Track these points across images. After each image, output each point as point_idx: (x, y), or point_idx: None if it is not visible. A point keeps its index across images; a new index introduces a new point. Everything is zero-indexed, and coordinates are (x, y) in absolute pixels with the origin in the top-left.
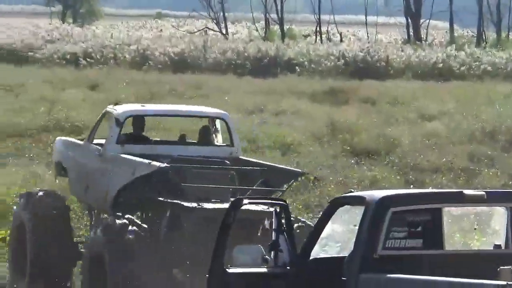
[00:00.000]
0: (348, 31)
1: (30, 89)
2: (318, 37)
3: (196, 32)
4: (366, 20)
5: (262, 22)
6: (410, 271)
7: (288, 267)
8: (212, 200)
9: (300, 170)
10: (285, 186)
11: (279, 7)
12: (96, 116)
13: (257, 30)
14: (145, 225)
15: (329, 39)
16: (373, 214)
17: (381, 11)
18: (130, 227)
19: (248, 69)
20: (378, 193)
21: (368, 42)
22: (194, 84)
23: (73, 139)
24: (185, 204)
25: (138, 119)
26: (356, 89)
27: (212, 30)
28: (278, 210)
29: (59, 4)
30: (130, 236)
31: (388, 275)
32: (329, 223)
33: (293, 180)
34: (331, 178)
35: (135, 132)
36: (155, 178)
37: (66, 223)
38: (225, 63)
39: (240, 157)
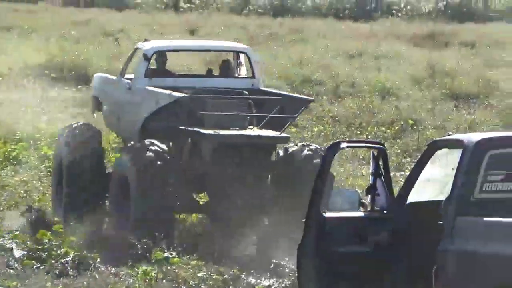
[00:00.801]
0: None
1: (129, 34)
2: None
3: None
4: None
5: None
6: (508, 215)
7: (385, 211)
8: (231, 128)
9: (310, 98)
10: (297, 112)
11: None
12: (194, 62)
13: None
14: (166, 148)
15: None
16: (471, 157)
17: None
18: (151, 147)
19: (348, 13)
20: (476, 136)
21: None
22: (294, 28)
23: (108, 75)
24: (202, 131)
25: (163, 54)
26: (456, 32)
27: None
28: (375, 153)
29: None
30: (151, 154)
31: (486, 218)
32: (427, 166)
33: (303, 107)
34: (429, 122)
35: (161, 66)
36: (176, 108)
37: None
38: (326, 7)
39: (261, 88)
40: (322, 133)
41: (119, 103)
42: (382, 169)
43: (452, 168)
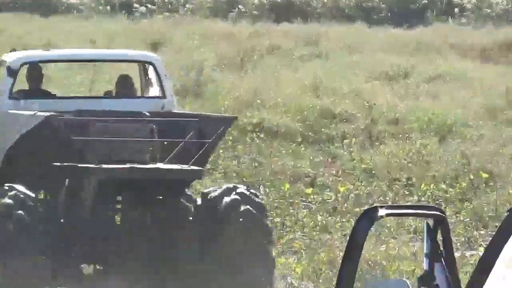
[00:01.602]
0: None
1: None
2: None
3: None
4: None
5: None
6: None
7: None
8: (125, 163)
9: (233, 116)
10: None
11: None
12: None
13: None
14: (32, 195)
15: None
16: None
17: None
18: (10, 193)
19: (386, 14)
20: None
21: None
22: (306, 38)
23: None
24: (81, 165)
25: (36, 68)
26: None
27: None
28: (431, 224)
29: None
30: (9, 202)
31: None
32: (510, 241)
33: (224, 127)
34: None
35: (33, 84)
36: (44, 134)
37: None
38: (352, 6)
39: (175, 110)
40: (352, 194)
41: None
42: (441, 248)
43: None
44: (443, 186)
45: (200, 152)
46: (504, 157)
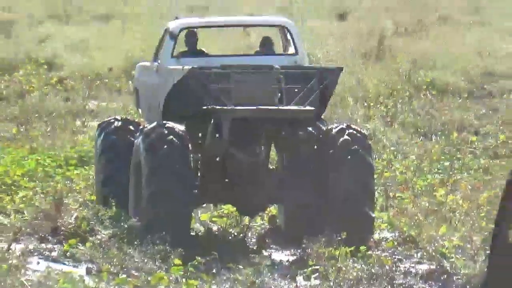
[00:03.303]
0: None
1: None
2: None
3: None
4: None
5: None
6: None
7: None
8: (258, 105)
9: (340, 67)
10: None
11: None
12: (344, 52)
13: None
14: (182, 129)
15: None
16: None
17: None
18: (162, 128)
19: None
20: None
21: None
22: (470, 7)
23: (145, 62)
24: (217, 106)
25: (193, 33)
26: None
27: None
28: None
29: None
30: (163, 135)
31: None
32: None
33: (335, 78)
34: None
35: (191, 47)
36: (190, 83)
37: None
38: None
39: (305, 64)
40: (510, 141)
41: (149, 88)
42: None
43: None
44: None
45: (313, 96)
46: None
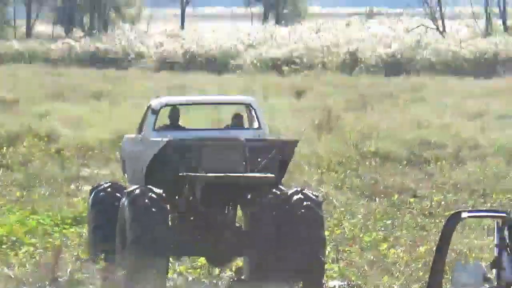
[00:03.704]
0: None
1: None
2: None
3: (411, 30)
4: None
5: (483, 18)
6: None
7: None
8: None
9: (296, 140)
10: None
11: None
12: (300, 126)
13: (477, 26)
14: (161, 193)
15: None
16: None
17: None
18: (146, 192)
19: (468, 69)
20: None
21: None
22: (409, 87)
23: (131, 135)
24: (192, 174)
25: (174, 112)
26: None
27: (428, 27)
28: (500, 223)
29: (261, 5)
30: (146, 201)
31: None
32: None
33: (290, 149)
34: None
35: (173, 121)
36: (168, 153)
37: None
38: (443, 63)
39: (267, 138)
40: (443, 203)
41: (134, 156)
42: (508, 241)
43: None
44: (509, 195)
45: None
46: None
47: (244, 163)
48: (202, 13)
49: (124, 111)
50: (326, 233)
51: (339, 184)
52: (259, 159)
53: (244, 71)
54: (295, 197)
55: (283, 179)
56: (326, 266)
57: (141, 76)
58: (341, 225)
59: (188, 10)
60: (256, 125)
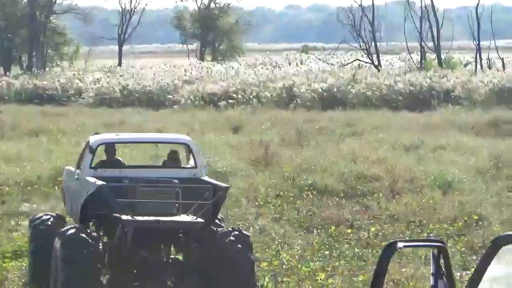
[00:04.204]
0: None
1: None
2: (479, 65)
3: (346, 64)
4: None
5: (418, 52)
6: None
7: None
8: (160, 214)
9: (227, 186)
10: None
11: (435, 34)
12: (238, 160)
13: (411, 60)
14: (95, 234)
15: (489, 67)
16: None
17: None
18: (79, 234)
19: (403, 102)
20: None
21: None
22: (345, 121)
23: (71, 168)
24: (122, 217)
25: (110, 147)
26: None
27: (363, 61)
28: (435, 252)
29: (197, 41)
30: (78, 242)
31: None
32: (492, 264)
33: (219, 194)
34: (496, 217)
35: (108, 158)
36: (101, 195)
37: None
38: (378, 97)
39: (203, 178)
40: (380, 233)
41: (72, 191)
42: (443, 269)
43: None
44: (446, 225)
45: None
46: (490, 204)
47: (177, 205)
48: (139, 50)
49: (63, 147)
50: (264, 264)
51: (277, 217)
52: (192, 201)
53: (182, 106)
54: (226, 239)
55: (220, 214)
56: None
57: (80, 112)
58: (279, 256)
59: (126, 47)
60: (192, 163)
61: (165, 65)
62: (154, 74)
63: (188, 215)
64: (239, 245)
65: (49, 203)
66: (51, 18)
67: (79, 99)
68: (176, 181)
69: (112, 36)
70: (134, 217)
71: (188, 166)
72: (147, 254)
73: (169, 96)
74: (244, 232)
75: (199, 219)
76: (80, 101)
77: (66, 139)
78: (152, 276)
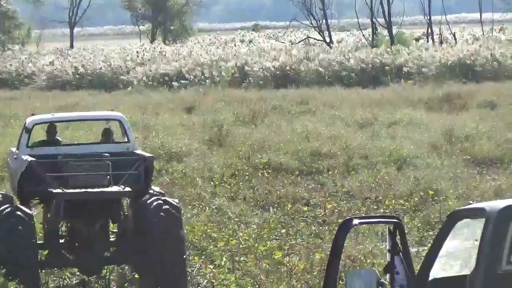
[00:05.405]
0: (462, 31)
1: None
2: (430, 40)
3: (297, 42)
4: (481, 17)
5: (369, 28)
6: None
7: None
8: (93, 187)
9: (151, 155)
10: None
11: (386, 10)
12: (192, 140)
13: (363, 36)
14: (27, 211)
15: (441, 42)
16: (494, 226)
17: (497, 7)
18: (14, 213)
19: (356, 79)
20: (500, 203)
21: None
22: (298, 99)
23: (13, 149)
24: (53, 190)
25: (51, 128)
26: (474, 93)
27: (315, 39)
28: (391, 228)
29: (148, 22)
30: (13, 220)
31: None
32: (448, 239)
33: (148, 161)
34: (451, 192)
35: (48, 138)
36: (33, 171)
37: None
38: (331, 74)
39: (136, 151)
40: (336, 210)
41: (12, 171)
42: (400, 245)
43: (476, 240)
44: (401, 201)
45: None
46: (444, 179)
47: (108, 178)
48: (90, 32)
49: (15, 130)
50: (222, 243)
51: (233, 196)
52: (123, 172)
53: (135, 88)
54: (154, 203)
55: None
56: (222, 276)
57: (33, 96)
58: (235, 236)
59: (77, 29)
60: (125, 139)
61: (117, 47)
62: (106, 56)
63: (119, 186)
64: (166, 206)
65: (2, 187)
66: (1, 2)
67: (32, 82)
68: (107, 154)
69: (63, 19)
70: (65, 190)
71: (121, 141)
72: (83, 226)
73: (122, 78)
74: (172, 200)
75: (127, 188)
76: (33, 85)
77: (19, 123)
78: (88, 247)
